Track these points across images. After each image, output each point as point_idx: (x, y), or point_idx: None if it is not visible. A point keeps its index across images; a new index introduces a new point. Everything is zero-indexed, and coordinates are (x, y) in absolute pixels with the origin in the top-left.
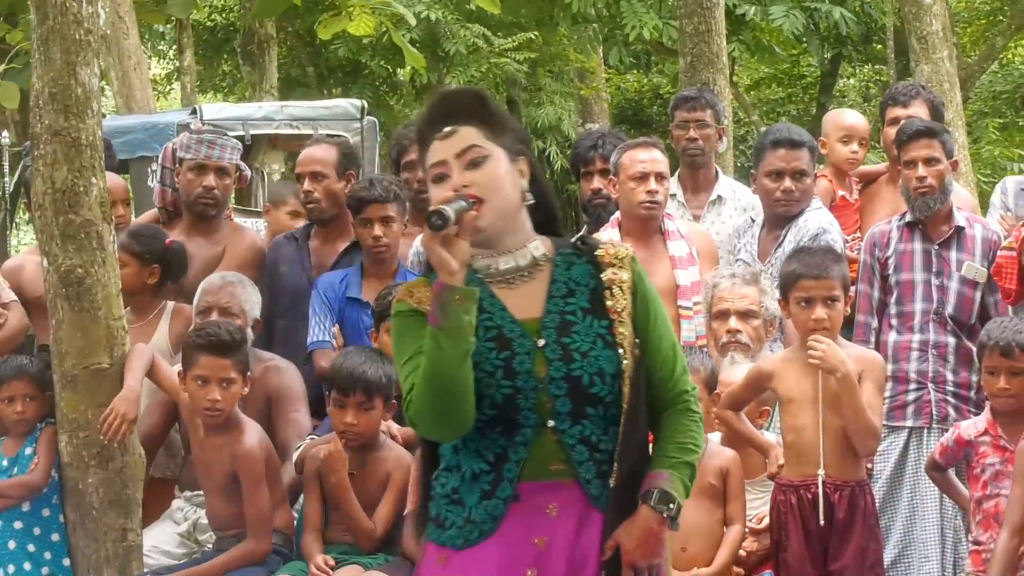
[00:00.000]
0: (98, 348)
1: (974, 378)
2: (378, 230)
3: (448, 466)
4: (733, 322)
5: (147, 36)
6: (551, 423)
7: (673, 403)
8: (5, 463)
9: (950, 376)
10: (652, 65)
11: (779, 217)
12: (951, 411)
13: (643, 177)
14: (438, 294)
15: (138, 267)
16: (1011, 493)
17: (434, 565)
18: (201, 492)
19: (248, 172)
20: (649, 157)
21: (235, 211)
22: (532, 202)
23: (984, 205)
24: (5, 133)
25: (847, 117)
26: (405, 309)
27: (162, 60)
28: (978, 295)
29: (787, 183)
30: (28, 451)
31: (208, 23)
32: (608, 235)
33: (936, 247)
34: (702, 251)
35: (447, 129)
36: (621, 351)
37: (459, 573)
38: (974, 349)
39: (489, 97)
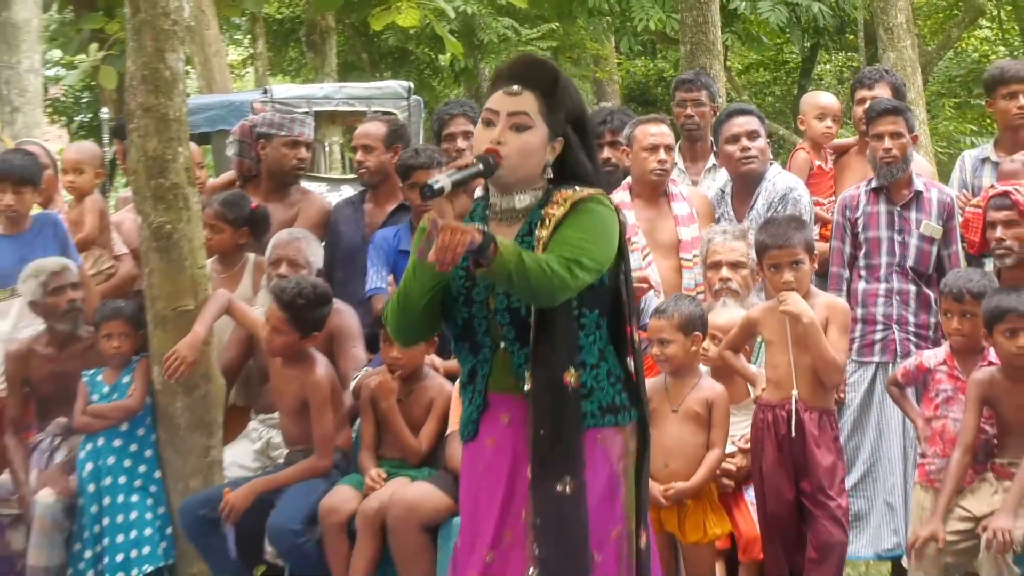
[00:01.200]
0: (184, 293)
1: (932, 320)
2: None
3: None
4: (725, 271)
5: (225, 27)
6: (502, 345)
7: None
8: (106, 390)
9: (911, 318)
10: (657, 52)
11: (745, 181)
12: (912, 348)
13: (654, 148)
14: (429, 233)
15: (232, 231)
16: (963, 418)
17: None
18: (273, 415)
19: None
20: (659, 131)
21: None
22: (550, 176)
23: (942, 173)
24: (105, 109)
25: (822, 98)
26: (423, 228)
27: (238, 48)
28: (935, 249)
29: (744, 142)
30: (125, 380)
31: (277, 16)
32: (619, 197)
33: (898, 208)
34: (700, 211)
35: (515, 87)
36: None
37: (464, 460)
38: (932, 295)
39: (562, 76)
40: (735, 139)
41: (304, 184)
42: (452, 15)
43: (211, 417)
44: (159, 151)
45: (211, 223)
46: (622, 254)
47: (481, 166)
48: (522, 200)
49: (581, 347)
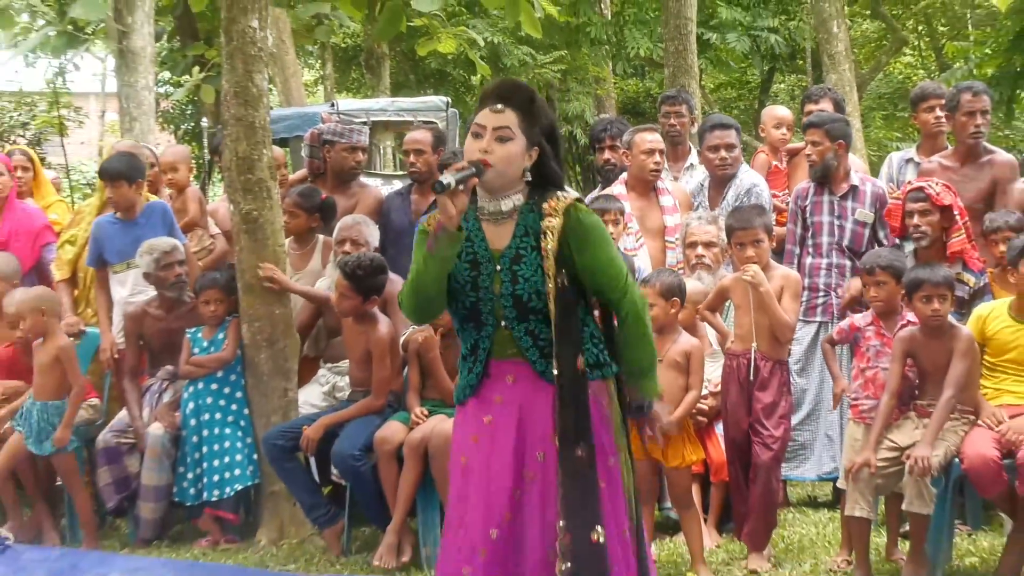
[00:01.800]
0: None
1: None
2: None
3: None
4: (700, 250)
5: (300, 53)
6: (503, 323)
7: (624, 316)
8: (205, 344)
9: (845, 285)
10: (646, 74)
11: (720, 179)
12: (848, 311)
13: (651, 152)
14: (437, 230)
15: (306, 217)
16: (890, 368)
17: (456, 410)
18: (338, 364)
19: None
20: (654, 138)
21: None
22: (528, 179)
23: (873, 171)
24: (205, 119)
25: (778, 111)
26: (424, 229)
27: (311, 70)
28: (867, 232)
29: (722, 153)
30: (221, 336)
31: (342, 44)
32: (617, 190)
33: (838, 198)
34: (681, 202)
35: (499, 107)
36: (548, 281)
37: (459, 419)
38: None
39: (537, 97)
40: (715, 149)
41: (362, 179)
42: (481, 44)
43: (288, 366)
44: (247, 152)
45: (289, 210)
46: None
47: (474, 169)
48: (507, 203)
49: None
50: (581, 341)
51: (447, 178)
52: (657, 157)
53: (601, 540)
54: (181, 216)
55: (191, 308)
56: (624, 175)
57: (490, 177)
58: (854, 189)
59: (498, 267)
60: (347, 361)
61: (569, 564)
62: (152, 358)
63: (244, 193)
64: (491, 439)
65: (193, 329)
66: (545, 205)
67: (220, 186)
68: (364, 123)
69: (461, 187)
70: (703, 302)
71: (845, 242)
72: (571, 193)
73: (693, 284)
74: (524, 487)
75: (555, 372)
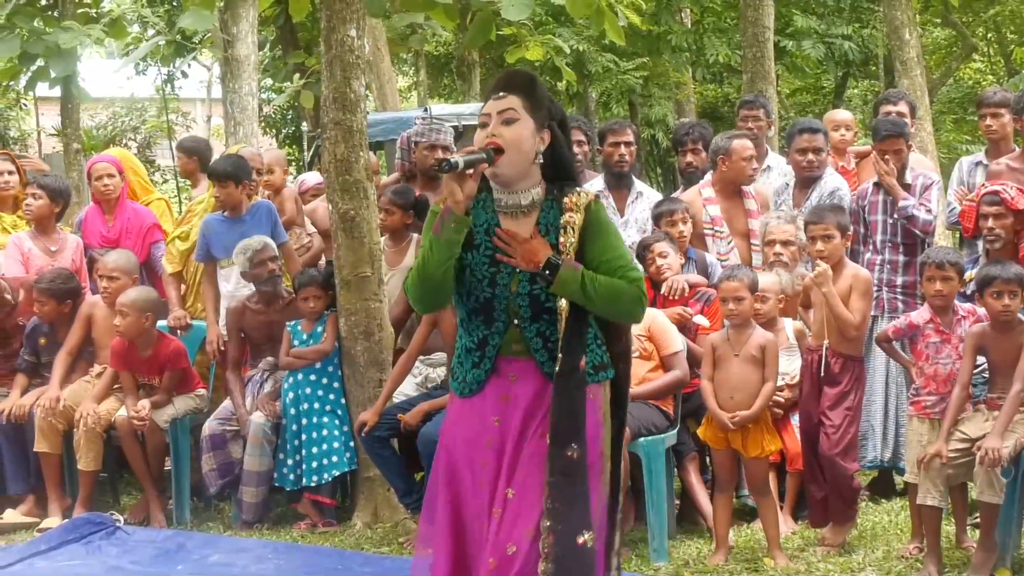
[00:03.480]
0: (363, 263)
1: (917, 281)
2: None
3: (460, 337)
4: (778, 248)
5: (395, 61)
6: (516, 321)
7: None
8: (304, 337)
9: (898, 281)
10: (724, 80)
11: (805, 180)
12: (900, 305)
13: (751, 159)
14: (443, 214)
15: (401, 214)
16: (962, 363)
17: (451, 402)
18: (431, 356)
19: (455, 148)
20: (752, 146)
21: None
22: (542, 162)
23: (943, 174)
24: (304, 124)
25: (837, 114)
26: (435, 210)
27: (405, 76)
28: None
29: (809, 156)
30: (319, 329)
31: (435, 52)
32: (706, 193)
33: (891, 198)
34: (761, 201)
35: (500, 93)
36: None
37: (458, 413)
38: (915, 264)
39: (538, 81)
40: (803, 151)
41: None
42: (568, 51)
43: (383, 357)
44: (345, 155)
45: (386, 208)
46: None
47: (484, 155)
48: (526, 197)
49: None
50: (587, 342)
51: (455, 159)
52: (755, 164)
53: (589, 544)
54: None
55: (288, 302)
56: (709, 178)
57: (503, 165)
58: (905, 188)
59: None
60: (439, 354)
61: (551, 565)
62: (253, 350)
63: (342, 193)
64: (501, 440)
65: (292, 322)
66: (565, 200)
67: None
68: (456, 126)
69: (471, 171)
70: (787, 296)
71: (898, 237)
72: (590, 189)
73: (771, 278)
74: (517, 487)
75: (556, 368)
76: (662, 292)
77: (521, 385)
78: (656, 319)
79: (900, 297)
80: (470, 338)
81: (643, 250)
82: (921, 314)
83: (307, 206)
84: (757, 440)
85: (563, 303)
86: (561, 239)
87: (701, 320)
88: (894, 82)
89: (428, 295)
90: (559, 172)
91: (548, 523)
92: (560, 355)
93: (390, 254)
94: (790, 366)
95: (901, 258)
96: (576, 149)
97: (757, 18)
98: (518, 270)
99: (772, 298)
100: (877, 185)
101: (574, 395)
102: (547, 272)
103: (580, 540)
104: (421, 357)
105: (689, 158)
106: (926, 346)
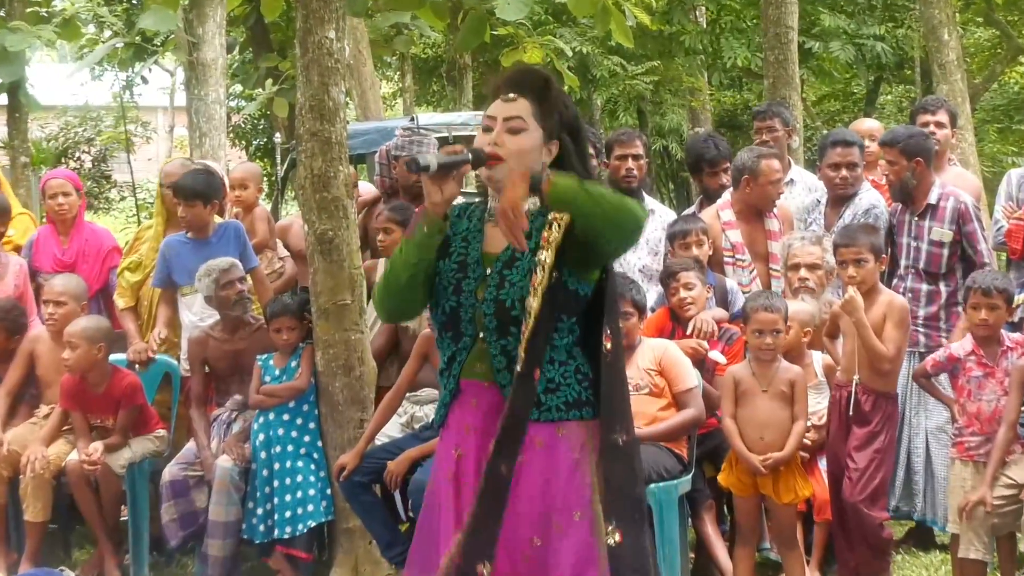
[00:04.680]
0: (343, 289)
1: (942, 312)
2: None
3: None
4: (803, 272)
5: (379, 65)
6: (481, 335)
7: None
8: (277, 372)
9: (921, 312)
10: (743, 85)
11: (839, 197)
12: (921, 338)
13: (778, 181)
14: (418, 215)
15: (400, 231)
16: (1008, 399)
17: None
18: (417, 393)
19: None
20: (780, 167)
21: None
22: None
23: (988, 188)
24: (278, 135)
25: (864, 124)
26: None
27: (389, 82)
28: (945, 252)
29: (843, 172)
30: (293, 364)
31: (423, 55)
32: (726, 216)
33: (915, 218)
34: (783, 220)
35: (511, 95)
36: (539, 271)
37: (438, 447)
38: (943, 291)
39: (553, 82)
40: (836, 167)
41: None
42: (570, 54)
43: (364, 394)
44: (323, 169)
45: (383, 227)
46: (607, 269)
47: (470, 156)
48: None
49: (555, 346)
50: (544, 354)
51: (427, 159)
52: (781, 186)
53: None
54: (248, 237)
55: (256, 329)
56: (727, 198)
57: (500, 174)
58: (932, 207)
59: (488, 270)
60: (427, 390)
61: None
62: (220, 386)
63: (319, 212)
64: (457, 474)
65: (264, 356)
66: None
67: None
68: (445, 137)
69: (453, 173)
70: (815, 326)
71: (921, 264)
72: None
73: (797, 306)
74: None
75: (517, 369)
76: (688, 333)
77: (481, 412)
78: (668, 351)
79: (922, 330)
80: (443, 358)
81: (667, 277)
82: (963, 345)
83: (282, 221)
84: (789, 485)
85: (534, 303)
86: (544, 233)
87: (718, 357)
88: (932, 88)
89: (389, 300)
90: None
91: (458, 542)
92: (522, 355)
93: None
94: (818, 405)
95: (924, 287)
96: (725, 178)
97: (779, 17)
98: (488, 272)
99: (795, 327)
100: (904, 203)
101: (522, 404)
102: (536, 189)
103: (480, 571)
104: (408, 394)
105: (723, 179)
106: (968, 381)
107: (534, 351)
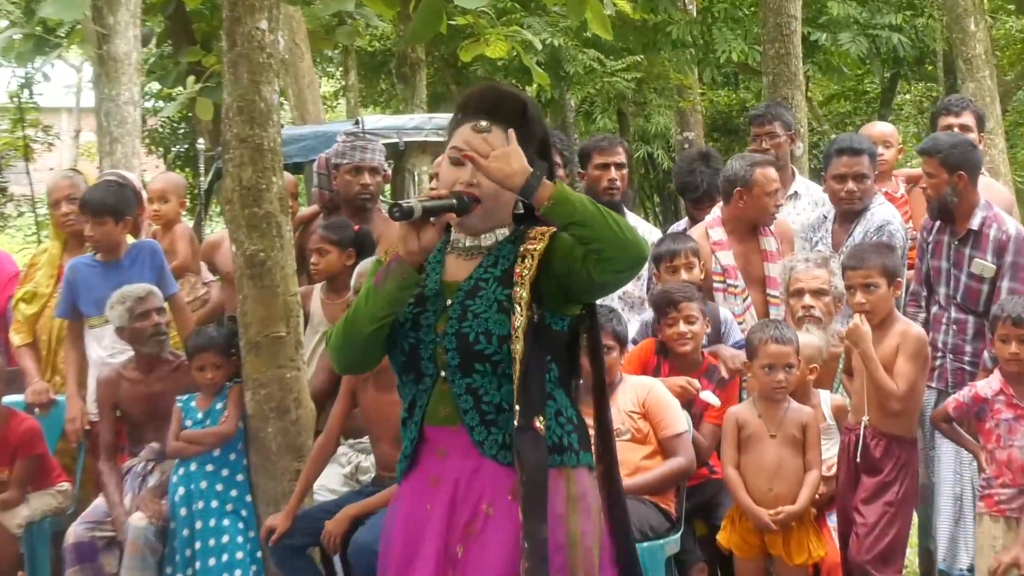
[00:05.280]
0: (277, 319)
1: (986, 350)
2: None
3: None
4: (807, 299)
5: (318, 60)
6: (443, 374)
7: None
8: (200, 416)
9: (968, 348)
10: (740, 83)
11: (847, 212)
12: (966, 378)
13: (775, 193)
14: (390, 263)
15: (338, 252)
16: None
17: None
18: (363, 440)
19: (389, 172)
20: (777, 176)
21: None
22: (521, 211)
23: (1021, 201)
24: (201, 140)
25: (876, 127)
26: (380, 260)
27: (330, 80)
28: (985, 288)
29: (850, 185)
30: (219, 406)
31: (369, 48)
32: (716, 235)
33: (956, 242)
34: (783, 237)
35: (483, 124)
36: (517, 311)
37: (396, 503)
38: (987, 325)
39: (531, 106)
40: (841, 179)
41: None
42: (539, 47)
43: (302, 441)
44: (253, 181)
45: (317, 247)
46: (591, 306)
47: (455, 201)
48: (488, 238)
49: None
50: (544, 400)
51: (412, 203)
52: (780, 199)
53: None
54: (168, 259)
55: (176, 367)
56: (717, 214)
57: (476, 220)
58: (974, 233)
59: (448, 301)
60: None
61: None
62: (133, 432)
63: (249, 230)
64: (422, 535)
65: (185, 397)
66: (531, 232)
67: (219, 222)
68: (395, 143)
69: (432, 220)
70: (823, 361)
71: (958, 297)
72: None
73: (802, 338)
74: None
75: (515, 424)
76: (723, 377)
77: (450, 462)
78: (654, 391)
79: (968, 368)
80: (404, 403)
81: (666, 305)
82: (990, 383)
83: (210, 238)
84: (802, 543)
85: (517, 346)
86: (517, 268)
87: (711, 398)
88: (956, 86)
89: (350, 354)
90: (534, 212)
91: None
92: (517, 407)
93: (327, 307)
94: (827, 452)
95: (971, 318)
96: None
97: (780, 5)
98: (448, 304)
99: (800, 363)
100: (943, 220)
101: (538, 457)
102: (528, 190)
103: None
104: (350, 441)
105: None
106: (996, 425)
107: (528, 400)
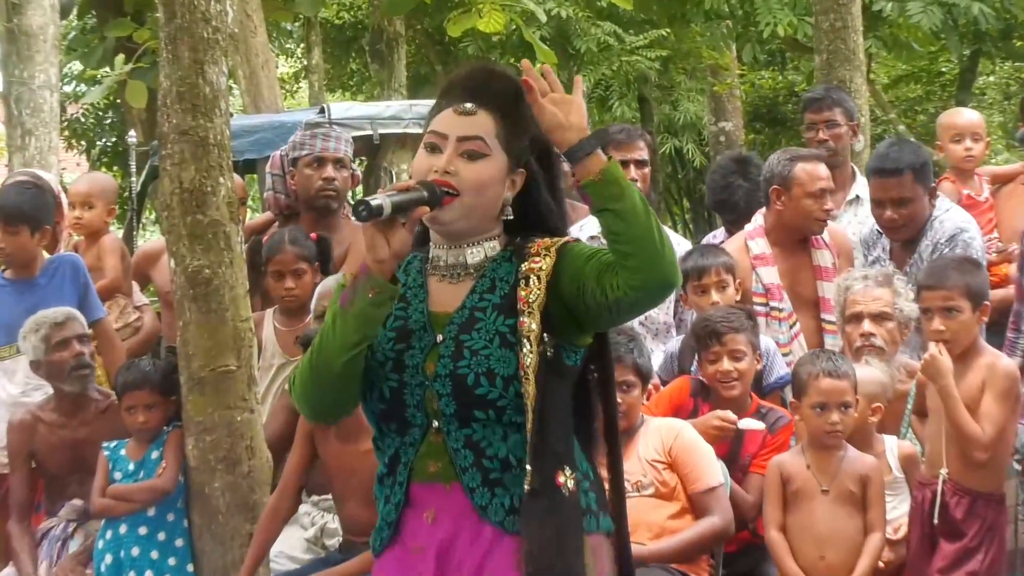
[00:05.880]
0: (225, 350)
1: None
2: None
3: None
4: (867, 325)
5: (275, 34)
6: (436, 424)
7: None
8: (131, 467)
9: None
10: (787, 62)
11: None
12: None
13: (822, 194)
14: (356, 276)
15: (313, 272)
16: None
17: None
18: (328, 497)
19: (359, 172)
20: (826, 173)
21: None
22: (510, 217)
23: None
24: (132, 133)
25: (955, 116)
26: (343, 284)
27: (290, 58)
28: None
29: (888, 212)
30: (155, 455)
31: (336, 21)
32: (758, 248)
33: None
34: (839, 251)
35: (468, 106)
36: (526, 347)
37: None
38: None
39: (525, 92)
40: (879, 204)
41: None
42: (543, 19)
43: (255, 498)
44: (196, 182)
45: (292, 268)
46: (602, 336)
47: (425, 193)
48: (475, 254)
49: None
50: (567, 451)
51: (379, 200)
52: (828, 201)
53: None
54: (94, 276)
55: (104, 409)
56: (758, 221)
57: (452, 209)
58: None
59: (439, 337)
60: None
61: None
62: (51, 487)
63: (191, 242)
64: None
65: (113, 444)
66: (531, 246)
67: (154, 231)
68: (369, 136)
69: (402, 219)
70: (887, 401)
71: None
72: (581, 234)
73: (862, 372)
74: None
75: (526, 487)
76: (781, 416)
77: (439, 528)
78: (682, 435)
79: None
80: (381, 461)
81: (707, 337)
82: None
83: (144, 248)
84: None
85: (529, 389)
86: (521, 292)
87: (752, 424)
88: None
89: (322, 395)
90: (531, 222)
91: None
92: (529, 467)
93: (282, 335)
94: (895, 511)
95: None
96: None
97: None
98: (439, 340)
99: (860, 402)
100: None
101: (570, 517)
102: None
103: None
104: (314, 498)
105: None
106: None
107: (544, 454)
